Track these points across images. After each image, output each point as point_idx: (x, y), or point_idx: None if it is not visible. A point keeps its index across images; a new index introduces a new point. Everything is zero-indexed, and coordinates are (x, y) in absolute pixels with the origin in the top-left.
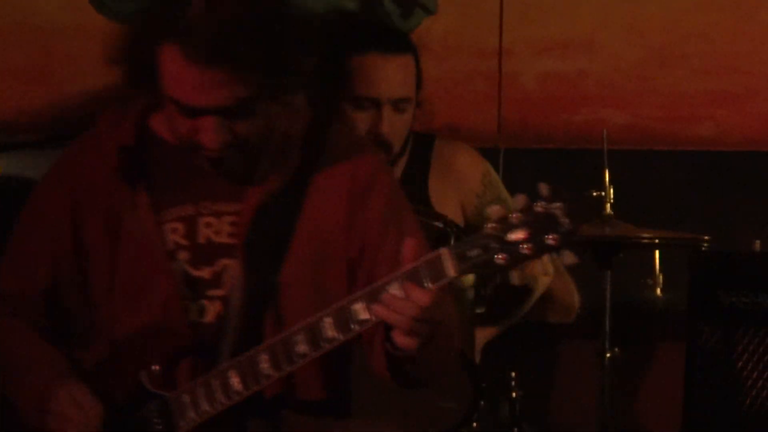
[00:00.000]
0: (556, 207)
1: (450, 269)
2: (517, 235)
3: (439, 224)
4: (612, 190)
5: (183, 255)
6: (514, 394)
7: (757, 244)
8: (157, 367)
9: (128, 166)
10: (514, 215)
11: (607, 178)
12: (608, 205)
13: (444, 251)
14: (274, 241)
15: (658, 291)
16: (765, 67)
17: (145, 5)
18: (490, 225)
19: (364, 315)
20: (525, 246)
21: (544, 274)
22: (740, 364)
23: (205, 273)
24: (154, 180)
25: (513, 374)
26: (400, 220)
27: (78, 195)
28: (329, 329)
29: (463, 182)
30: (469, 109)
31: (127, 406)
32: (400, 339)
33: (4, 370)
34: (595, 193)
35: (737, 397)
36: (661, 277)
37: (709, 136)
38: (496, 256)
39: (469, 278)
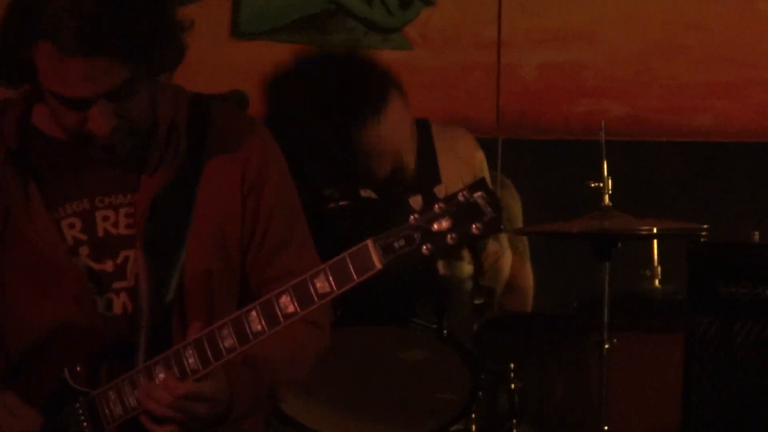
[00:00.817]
0: (479, 196)
1: (375, 261)
2: (441, 225)
3: None
4: (611, 181)
5: (83, 250)
6: (512, 386)
7: (756, 235)
8: (80, 368)
9: (16, 168)
10: (436, 205)
11: (605, 169)
12: (606, 196)
13: (369, 242)
14: (172, 229)
15: (657, 282)
16: (763, 58)
17: None
18: (413, 216)
19: (289, 309)
20: (449, 236)
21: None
22: (739, 354)
23: (107, 266)
24: (46, 178)
25: (511, 366)
26: (288, 208)
27: None
28: (255, 322)
29: (466, 163)
30: (468, 100)
31: (51, 405)
32: (149, 425)
33: None
34: (593, 184)
35: (736, 388)
36: (659, 268)
37: (707, 127)
38: (421, 246)
39: (467, 269)
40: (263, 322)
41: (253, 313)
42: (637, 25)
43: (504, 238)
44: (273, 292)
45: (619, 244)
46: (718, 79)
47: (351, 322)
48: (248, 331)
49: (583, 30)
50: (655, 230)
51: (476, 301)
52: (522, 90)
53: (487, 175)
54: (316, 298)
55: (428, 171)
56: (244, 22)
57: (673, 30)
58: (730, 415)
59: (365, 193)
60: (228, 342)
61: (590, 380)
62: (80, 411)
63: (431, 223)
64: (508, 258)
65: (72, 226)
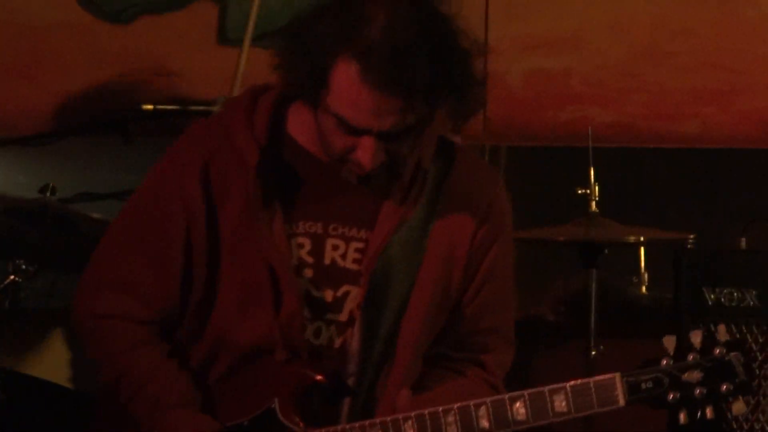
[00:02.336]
0: (735, 356)
1: (620, 397)
2: (691, 376)
3: None
4: (597, 188)
5: (308, 272)
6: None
7: (743, 241)
8: (293, 410)
9: (267, 182)
10: (691, 355)
11: (592, 176)
12: (593, 203)
13: (617, 377)
14: (399, 273)
15: (644, 288)
16: (750, 65)
17: (131, 2)
18: (665, 359)
19: (520, 417)
20: (698, 390)
21: None
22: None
23: (326, 295)
24: (289, 188)
25: None
26: (507, 266)
27: (209, 184)
28: (484, 419)
29: None
30: None
31: (254, 429)
32: None
33: (138, 393)
34: (580, 191)
35: None
36: (646, 274)
37: (694, 134)
38: (669, 393)
39: None
40: (491, 421)
41: (483, 408)
42: (623, 32)
43: None
44: (511, 393)
45: (606, 251)
46: (704, 86)
47: None
48: (474, 425)
49: (570, 37)
50: (642, 239)
51: None
52: (509, 96)
53: None
54: (550, 415)
55: None
56: (230, 28)
57: (660, 36)
58: (717, 421)
59: None
60: (451, 429)
61: None
62: None
63: (683, 372)
64: None
65: (301, 246)
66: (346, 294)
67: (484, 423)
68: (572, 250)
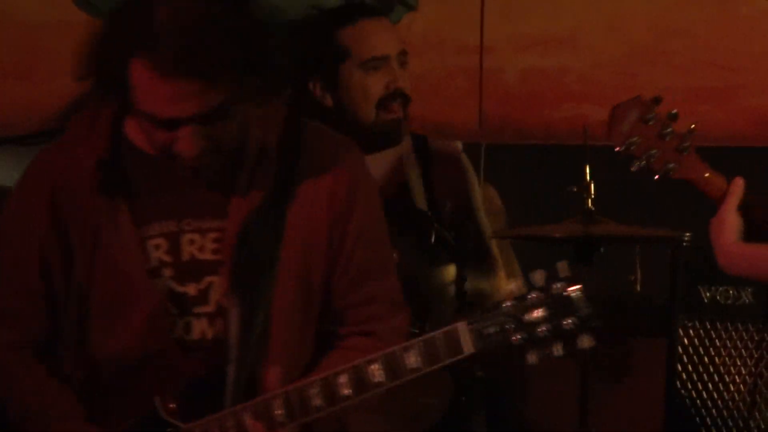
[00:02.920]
0: (575, 290)
1: (467, 345)
2: (534, 316)
3: (420, 220)
4: (593, 186)
5: (167, 271)
6: (493, 390)
7: None
8: (173, 405)
9: (107, 180)
10: (532, 295)
11: (588, 174)
12: (589, 201)
13: (461, 326)
14: (260, 256)
15: (639, 287)
16: (746, 63)
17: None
18: (507, 303)
19: (377, 378)
20: (541, 328)
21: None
22: (721, 359)
23: (190, 289)
24: (135, 193)
25: (493, 369)
26: (374, 232)
27: (58, 208)
28: (344, 387)
29: (458, 185)
30: (451, 105)
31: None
32: None
33: (22, 411)
34: (575, 189)
35: (718, 392)
36: (641, 273)
37: None
38: (512, 336)
39: (450, 274)
40: (351, 388)
41: (343, 377)
42: (619, 30)
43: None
44: (365, 358)
45: (601, 249)
46: (701, 84)
47: None
48: (336, 395)
49: (566, 35)
50: (637, 237)
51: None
52: (505, 95)
53: (478, 194)
54: (404, 373)
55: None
56: None
57: (656, 35)
58: (713, 419)
59: None
60: (316, 401)
61: (572, 384)
62: None
63: (524, 313)
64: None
65: (158, 247)
66: (210, 285)
67: (345, 390)
68: (568, 249)
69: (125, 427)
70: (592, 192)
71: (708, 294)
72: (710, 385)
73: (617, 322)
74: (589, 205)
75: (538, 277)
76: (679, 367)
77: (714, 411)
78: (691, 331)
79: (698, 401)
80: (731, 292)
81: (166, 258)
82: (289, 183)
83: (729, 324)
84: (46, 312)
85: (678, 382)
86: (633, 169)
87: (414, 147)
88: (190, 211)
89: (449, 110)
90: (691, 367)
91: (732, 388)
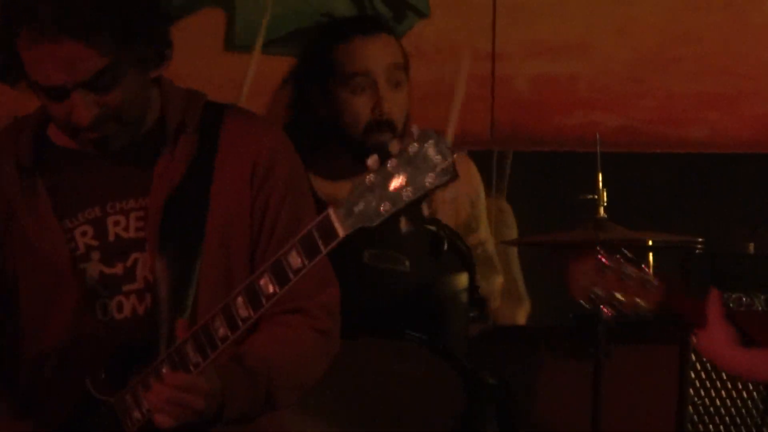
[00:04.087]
0: (428, 145)
1: (339, 229)
2: (397, 182)
3: (432, 228)
4: (605, 194)
5: (95, 255)
6: (506, 397)
7: (751, 246)
8: (104, 376)
9: (26, 180)
10: (389, 163)
11: (600, 182)
12: (601, 209)
13: (330, 211)
14: (185, 230)
15: None
16: (757, 69)
17: None
18: (368, 176)
19: (269, 289)
20: (405, 191)
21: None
22: None
23: (117, 269)
24: (59, 189)
25: (505, 377)
26: (296, 203)
27: None
28: (242, 308)
29: (460, 188)
30: (462, 112)
31: (75, 419)
32: (157, 417)
33: None
34: (588, 197)
35: (731, 399)
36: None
37: (701, 139)
38: (380, 207)
39: (463, 282)
40: (249, 308)
41: (239, 299)
42: (630, 37)
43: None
44: (252, 275)
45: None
46: (711, 90)
47: (345, 335)
48: (237, 318)
49: (577, 42)
50: (650, 243)
51: (471, 314)
52: (516, 102)
53: (483, 200)
54: (291, 275)
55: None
56: (238, 35)
57: (667, 41)
58: (725, 426)
59: None
60: (221, 332)
61: (585, 392)
62: (101, 420)
63: (387, 181)
64: (491, 243)
65: (84, 233)
66: (136, 261)
67: (243, 311)
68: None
69: (63, 418)
70: (605, 199)
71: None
72: (723, 392)
73: (631, 329)
74: (602, 213)
75: (393, 146)
76: (692, 374)
77: (727, 418)
78: None
79: (711, 408)
80: (744, 298)
81: (93, 242)
82: (211, 159)
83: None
84: None
85: (691, 390)
86: (609, 315)
87: None
88: (113, 195)
89: (461, 117)
90: (704, 374)
91: (745, 395)
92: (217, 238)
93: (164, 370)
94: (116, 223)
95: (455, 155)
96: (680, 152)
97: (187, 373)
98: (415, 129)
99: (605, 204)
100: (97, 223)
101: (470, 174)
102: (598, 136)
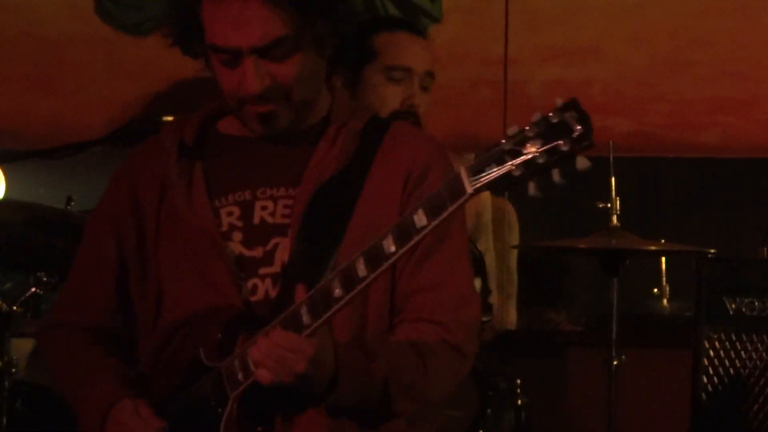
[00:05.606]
0: (569, 115)
1: (467, 185)
2: (532, 147)
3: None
4: (618, 201)
5: (237, 235)
6: (520, 402)
7: (764, 251)
8: (218, 336)
9: (185, 158)
10: (527, 128)
11: (613, 189)
12: (615, 217)
13: (462, 169)
14: (329, 222)
15: (665, 301)
16: None
17: (150, 15)
18: (504, 139)
19: (390, 248)
20: (540, 158)
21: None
22: (747, 371)
23: (257, 252)
24: (214, 170)
25: (519, 382)
26: (446, 223)
27: (138, 190)
28: (361, 269)
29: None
30: (475, 117)
31: (185, 384)
32: (257, 372)
33: (69, 383)
34: (601, 205)
35: (744, 404)
36: (667, 287)
37: (714, 143)
38: (513, 171)
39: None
40: (368, 267)
41: (360, 259)
42: (643, 42)
43: (483, 237)
44: (376, 238)
45: (627, 261)
46: (724, 95)
47: None
48: (355, 278)
49: (590, 46)
50: (662, 252)
51: (484, 319)
52: (529, 106)
53: (489, 212)
54: (414, 234)
55: None
56: None
57: (680, 46)
58: (739, 431)
59: None
60: (337, 292)
61: (598, 396)
62: (208, 384)
63: (522, 146)
64: (490, 256)
65: (230, 213)
66: (276, 246)
67: (361, 271)
68: (594, 263)
69: (174, 384)
70: (618, 207)
71: (733, 306)
72: (736, 397)
73: (644, 333)
74: (615, 221)
75: (535, 114)
76: (705, 379)
77: (740, 423)
78: (716, 343)
79: (724, 413)
80: (756, 303)
81: (238, 223)
82: (369, 161)
83: (754, 336)
84: (117, 291)
85: (704, 394)
86: None
87: None
88: (266, 181)
89: (474, 122)
90: (717, 379)
91: (760, 400)
92: (358, 235)
93: (278, 332)
94: (263, 208)
95: (587, 119)
96: (693, 157)
97: (298, 334)
98: (558, 101)
99: (618, 212)
100: (245, 206)
101: None
102: (611, 144)
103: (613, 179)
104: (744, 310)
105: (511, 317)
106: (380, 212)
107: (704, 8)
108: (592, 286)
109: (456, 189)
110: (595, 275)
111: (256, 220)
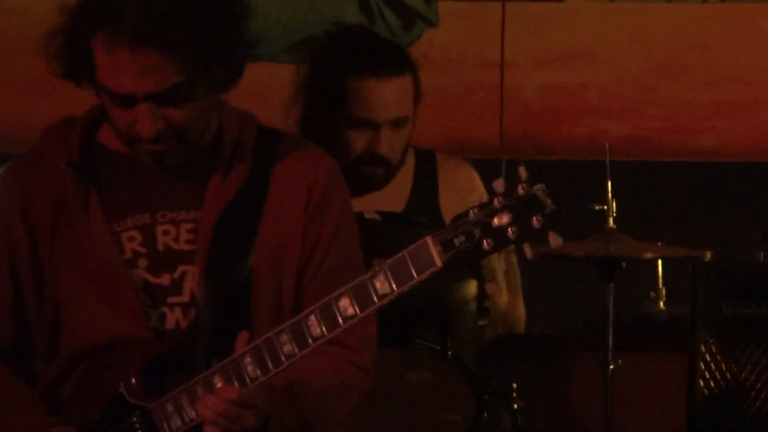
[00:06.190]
0: (538, 188)
1: (436, 258)
2: (501, 220)
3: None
4: (615, 204)
5: (142, 262)
6: (516, 406)
7: (761, 255)
8: (135, 381)
9: (77, 179)
10: (496, 200)
11: (609, 192)
12: (611, 219)
13: (428, 239)
14: (234, 247)
15: (661, 304)
16: (767, 78)
17: None
18: (472, 210)
19: (347, 312)
20: (510, 230)
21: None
22: (743, 375)
23: (164, 280)
24: (107, 190)
25: (515, 386)
26: (347, 236)
27: (28, 212)
28: (315, 326)
29: (466, 197)
30: (471, 121)
31: (106, 420)
32: (206, 429)
33: None
34: (597, 207)
35: (741, 409)
36: (663, 290)
37: (711, 147)
38: (482, 242)
39: (472, 290)
40: (322, 326)
41: (312, 317)
42: (639, 46)
43: (500, 277)
44: (335, 293)
45: (623, 264)
46: (721, 99)
47: None
48: (307, 336)
49: (586, 50)
50: (658, 256)
51: (480, 323)
52: (525, 110)
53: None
54: (376, 299)
55: (428, 202)
56: None
57: (676, 50)
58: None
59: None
60: (287, 348)
61: (594, 401)
62: (137, 425)
63: (491, 218)
64: (504, 297)
65: (132, 239)
66: (184, 274)
67: (316, 330)
68: (589, 266)
69: (93, 416)
70: (614, 210)
71: (730, 309)
72: (733, 402)
73: (640, 337)
74: (611, 223)
75: (499, 184)
76: (701, 383)
77: (737, 427)
78: (713, 347)
79: (721, 417)
80: (753, 307)
81: (141, 249)
82: (265, 178)
83: (751, 340)
84: (14, 320)
85: (700, 398)
86: None
87: (417, 164)
88: (165, 203)
89: (470, 126)
90: (713, 383)
91: (757, 404)
92: (268, 256)
93: (218, 383)
94: (166, 233)
95: (559, 195)
96: (690, 161)
97: (243, 386)
98: (522, 171)
99: (615, 215)
100: (146, 230)
101: (474, 185)
102: (607, 147)
103: (609, 183)
104: (740, 314)
105: (520, 311)
106: (284, 233)
107: (701, 12)
108: (588, 289)
109: (423, 259)
110: (591, 279)
111: (160, 246)
